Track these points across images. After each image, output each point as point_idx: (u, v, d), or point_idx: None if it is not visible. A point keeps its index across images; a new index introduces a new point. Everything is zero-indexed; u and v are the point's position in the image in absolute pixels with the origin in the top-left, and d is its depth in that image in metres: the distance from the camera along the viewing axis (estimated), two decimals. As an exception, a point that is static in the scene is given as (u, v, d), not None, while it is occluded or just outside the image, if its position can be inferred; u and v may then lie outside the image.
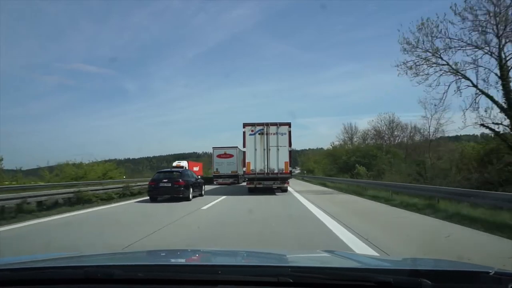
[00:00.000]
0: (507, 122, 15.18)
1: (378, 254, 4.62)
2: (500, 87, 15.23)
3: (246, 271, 1.50)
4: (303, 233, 6.86)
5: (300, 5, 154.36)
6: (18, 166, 27.17)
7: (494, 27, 15.14)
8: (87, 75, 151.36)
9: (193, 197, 14.79)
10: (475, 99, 15.72)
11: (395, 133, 39.52)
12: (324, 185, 26.78)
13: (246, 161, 17.19)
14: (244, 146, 17.42)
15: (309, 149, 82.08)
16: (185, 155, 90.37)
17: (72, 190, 13.60)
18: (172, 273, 1.49)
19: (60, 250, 5.97)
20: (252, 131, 17.19)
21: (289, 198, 14.93)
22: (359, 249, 5.08)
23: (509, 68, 15.33)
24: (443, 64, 16.53)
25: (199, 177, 18.02)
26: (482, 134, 19.88)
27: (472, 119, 16.08)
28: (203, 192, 16.83)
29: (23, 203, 10.58)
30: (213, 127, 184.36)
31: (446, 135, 28.80)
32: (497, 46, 15.14)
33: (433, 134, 28.97)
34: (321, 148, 71.25)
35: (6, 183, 23.58)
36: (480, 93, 15.61)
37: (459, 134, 25.21)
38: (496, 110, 15.44)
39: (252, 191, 17.43)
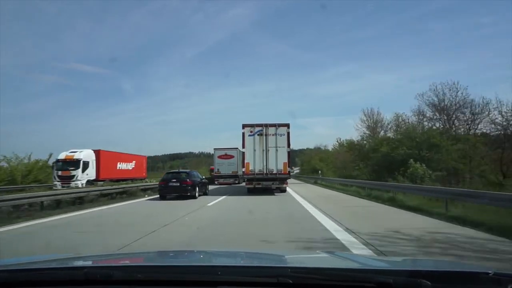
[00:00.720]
0: None
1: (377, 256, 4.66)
2: None
3: (246, 271, 1.50)
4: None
5: (299, 5, 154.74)
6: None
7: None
8: (84, 75, 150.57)
9: (199, 195, 16.26)
10: None
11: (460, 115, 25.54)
12: (362, 195, 16.02)
13: (245, 161, 17.31)
14: (243, 147, 17.54)
15: (307, 148, 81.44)
16: (181, 155, 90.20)
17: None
18: (172, 274, 1.49)
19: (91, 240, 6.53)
20: (251, 132, 17.32)
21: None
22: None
23: None
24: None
25: (203, 177, 19.40)
26: None
27: None
28: (207, 191, 18.28)
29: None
30: (211, 127, 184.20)
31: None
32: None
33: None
34: (323, 147, 67.73)
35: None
36: None
37: None
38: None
39: (251, 192, 17.53)
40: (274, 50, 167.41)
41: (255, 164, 17.13)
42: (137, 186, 19.66)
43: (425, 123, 27.45)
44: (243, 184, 19.41)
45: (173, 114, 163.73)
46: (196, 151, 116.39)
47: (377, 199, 13.81)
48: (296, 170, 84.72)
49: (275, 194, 17.35)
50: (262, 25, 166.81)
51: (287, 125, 17.43)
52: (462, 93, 25.43)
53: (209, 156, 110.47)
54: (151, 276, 1.46)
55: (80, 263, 1.93)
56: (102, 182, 22.87)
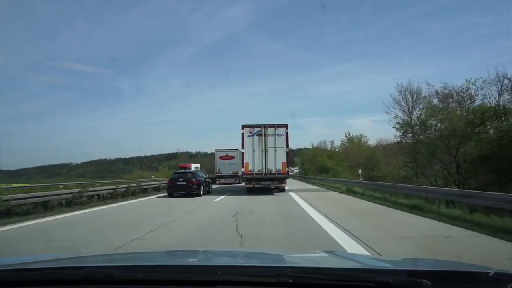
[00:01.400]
0: None
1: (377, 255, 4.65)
2: None
3: (245, 271, 1.50)
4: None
5: (297, 4, 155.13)
6: (5, 167, 27.50)
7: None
8: (82, 75, 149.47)
9: (203, 193, 17.56)
10: None
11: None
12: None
13: (245, 161, 17.57)
14: (242, 147, 17.80)
15: (305, 148, 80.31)
16: (177, 154, 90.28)
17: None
18: (172, 274, 1.49)
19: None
20: (250, 132, 17.60)
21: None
22: None
23: None
24: None
25: (207, 177, 21.23)
26: None
27: None
28: (210, 189, 19.54)
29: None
30: (208, 127, 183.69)
31: None
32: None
33: None
34: (330, 142, 62.21)
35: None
36: None
37: None
38: None
39: (251, 191, 17.76)
40: (272, 50, 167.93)
41: (254, 164, 17.41)
42: (148, 184, 22.13)
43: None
44: (243, 184, 19.66)
45: (170, 114, 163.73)
46: (193, 150, 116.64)
47: None
48: (295, 169, 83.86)
49: (274, 194, 17.49)
50: (260, 25, 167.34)
51: (286, 126, 17.70)
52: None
53: (205, 156, 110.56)
54: (151, 275, 1.46)
55: (80, 262, 1.94)
56: None
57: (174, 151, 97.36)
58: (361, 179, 26.25)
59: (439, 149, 20.99)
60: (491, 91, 21.37)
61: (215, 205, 12.97)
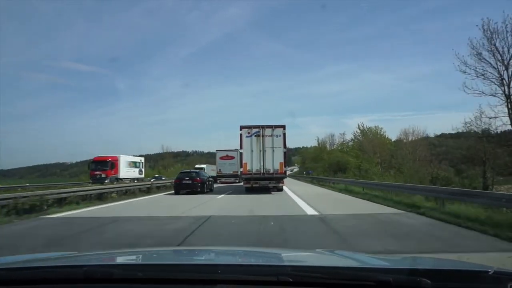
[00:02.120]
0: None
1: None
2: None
3: (245, 270, 1.50)
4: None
5: (295, 4, 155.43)
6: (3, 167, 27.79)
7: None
8: (80, 74, 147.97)
9: (206, 191, 19.17)
10: None
11: None
12: None
13: (243, 161, 17.91)
14: (241, 148, 18.10)
15: (303, 147, 79.31)
16: (174, 154, 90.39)
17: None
18: (172, 272, 1.48)
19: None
20: (248, 133, 17.95)
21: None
22: None
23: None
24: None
25: (210, 176, 22.65)
26: None
27: None
28: (213, 188, 21.26)
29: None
30: (205, 126, 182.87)
31: None
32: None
33: None
34: (342, 135, 57.53)
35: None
36: None
37: None
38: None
39: (249, 191, 18.09)
40: (270, 49, 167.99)
41: (252, 164, 17.74)
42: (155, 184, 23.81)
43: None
44: (242, 183, 20.08)
45: (168, 113, 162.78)
46: (189, 150, 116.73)
47: None
48: (294, 168, 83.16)
49: (272, 193, 17.75)
50: (259, 25, 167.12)
51: (283, 127, 18.07)
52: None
53: (202, 155, 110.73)
54: (151, 274, 1.46)
55: (80, 261, 1.94)
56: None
57: (171, 150, 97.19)
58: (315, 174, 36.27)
59: None
60: None
61: (218, 201, 14.62)
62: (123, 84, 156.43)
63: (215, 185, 23.44)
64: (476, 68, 18.37)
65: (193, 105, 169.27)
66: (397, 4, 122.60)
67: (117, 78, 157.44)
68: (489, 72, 18.13)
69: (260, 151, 17.84)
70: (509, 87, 18.04)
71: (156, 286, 1.40)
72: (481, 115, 19.41)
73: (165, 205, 13.39)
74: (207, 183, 19.63)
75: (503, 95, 18.16)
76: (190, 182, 18.57)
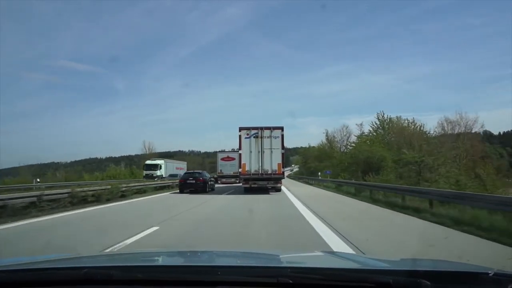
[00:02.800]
0: None
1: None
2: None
3: (245, 271, 1.50)
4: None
5: (293, 4, 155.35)
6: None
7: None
8: (78, 74, 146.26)
9: (208, 191, 20.28)
10: None
11: None
12: None
13: (242, 162, 18.20)
14: (240, 149, 18.41)
15: (301, 147, 76.73)
16: (170, 153, 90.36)
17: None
18: (171, 274, 1.49)
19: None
20: (247, 134, 18.25)
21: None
22: None
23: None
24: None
25: (211, 177, 24.13)
26: None
27: None
28: (214, 188, 22.43)
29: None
30: (203, 127, 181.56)
31: None
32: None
33: None
34: (360, 127, 44.72)
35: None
36: None
37: None
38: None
39: (248, 191, 18.33)
40: (269, 49, 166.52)
41: (251, 165, 18.02)
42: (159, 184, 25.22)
43: None
44: (241, 183, 20.43)
45: (166, 113, 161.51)
46: (186, 149, 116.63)
47: None
48: (295, 168, 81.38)
49: (270, 193, 17.92)
50: (258, 25, 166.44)
51: (281, 128, 18.41)
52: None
53: (199, 155, 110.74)
54: (151, 276, 1.46)
55: (79, 263, 1.94)
56: None
57: (167, 150, 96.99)
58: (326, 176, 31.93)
59: None
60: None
61: (221, 200, 15.60)
62: (122, 84, 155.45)
63: (216, 185, 24.46)
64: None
65: (192, 105, 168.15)
66: (397, 4, 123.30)
67: (116, 78, 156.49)
68: None
69: (259, 152, 18.11)
70: None
71: None
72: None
73: (177, 202, 14.94)
74: (209, 183, 20.86)
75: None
76: (194, 182, 19.87)
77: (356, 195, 16.56)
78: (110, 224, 8.47)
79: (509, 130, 70.64)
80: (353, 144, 39.81)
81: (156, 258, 2.25)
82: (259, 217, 9.32)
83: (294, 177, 56.37)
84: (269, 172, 18.07)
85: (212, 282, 1.36)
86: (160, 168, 41.34)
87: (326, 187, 24.98)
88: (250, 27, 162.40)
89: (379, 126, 36.51)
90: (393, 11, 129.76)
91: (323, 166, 43.07)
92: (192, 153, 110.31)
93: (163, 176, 38.63)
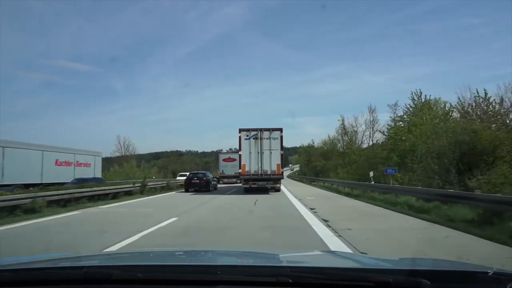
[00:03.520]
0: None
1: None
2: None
3: (245, 271, 1.50)
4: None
5: (292, 4, 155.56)
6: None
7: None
8: (76, 73, 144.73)
9: (211, 190, 21.54)
10: None
11: None
12: None
13: (242, 163, 18.55)
14: (239, 150, 18.78)
15: (300, 146, 75.82)
16: (167, 153, 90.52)
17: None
18: (171, 273, 1.48)
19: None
20: (247, 136, 18.64)
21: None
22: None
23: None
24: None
25: (214, 177, 25.67)
26: None
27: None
28: (216, 187, 23.72)
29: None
30: (202, 126, 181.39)
31: None
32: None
33: None
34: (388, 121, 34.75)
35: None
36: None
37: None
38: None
39: (248, 191, 18.62)
40: (268, 49, 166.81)
41: (251, 165, 18.38)
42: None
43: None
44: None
45: (164, 113, 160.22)
46: (183, 149, 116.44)
47: None
48: (295, 167, 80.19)
49: (270, 193, 18.18)
50: (257, 25, 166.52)
51: (280, 130, 18.76)
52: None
53: (196, 155, 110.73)
54: (151, 275, 1.46)
55: (79, 262, 1.94)
56: None
57: (163, 149, 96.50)
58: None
59: None
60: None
61: (224, 199, 16.17)
62: (120, 83, 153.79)
63: (218, 185, 25.45)
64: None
65: (191, 104, 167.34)
66: (396, 4, 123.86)
67: (115, 77, 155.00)
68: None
69: (258, 153, 18.47)
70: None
71: (155, 287, 1.41)
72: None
73: (185, 199, 16.36)
74: (212, 183, 22.35)
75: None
76: (198, 181, 21.49)
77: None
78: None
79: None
80: (403, 126, 24.86)
81: (156, 257, 2.25)
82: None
83: (295, 178, 52.40)
84: (269, 172, 18.42)
85: (212, 281, 1.36)
86: None
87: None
88: (249, 27, 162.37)
89: (411, 108, 25.27)
90: (393, 11, 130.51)
91: (332, 164, 38.26)
92: (189, 153, 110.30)
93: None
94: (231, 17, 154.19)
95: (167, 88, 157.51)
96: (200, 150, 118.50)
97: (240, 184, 24.18)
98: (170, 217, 8.99)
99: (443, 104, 24.49)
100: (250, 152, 18.61)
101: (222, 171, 33.08)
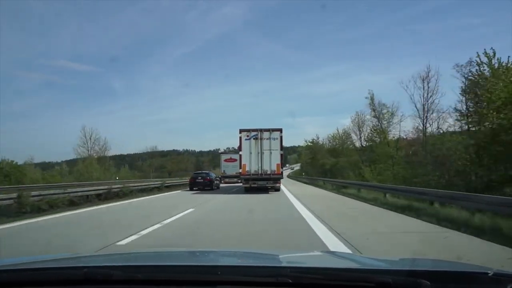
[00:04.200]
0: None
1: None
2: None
3: (245, 271, 1.49)
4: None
5: (291, 4, 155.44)
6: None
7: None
8: (75, 73, 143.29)
9: (214, 189, 22.53)
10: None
11: None
12: None
13: (242, 163, 18.79)
14: (240, 150, 19.08)
15: (299, 146, 74.25)
16: (164, 152, 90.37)
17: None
18: (171, 274, 1.47)
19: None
20: (247, 136, 18.91)
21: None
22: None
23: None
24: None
25: (217, 176, 26.77)
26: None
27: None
28: (219, 186, 24.93)
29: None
30: (201, 126, 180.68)
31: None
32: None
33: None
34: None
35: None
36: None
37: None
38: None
39: (248, 191, 18.91)
40: (267, 49, 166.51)
41: (251, 165, 18.62)
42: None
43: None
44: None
45: (164, 113, 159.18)
46: (180, 148, 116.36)
47: None
48: (295, 167, 79.69)
49: (270, 193, 18.41)
50: (256, 24, 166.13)
51: (280, 130, 19.01)
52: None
53: (193, 154, 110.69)
54: (151, 275, 1.45)
55: (79, 262, 1.93)
56: None
57: (161, 149, 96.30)
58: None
59: None
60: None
61: (227, 197, 17.13)
62: (119, 83, 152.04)
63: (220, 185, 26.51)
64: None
65: (191, 104, 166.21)
66: (396, 4, 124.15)
67: (115, 77, 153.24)
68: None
69: (258, 153, 18.73)
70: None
71: (155, 287, 1.40)
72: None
73: (190, 197, 17.52)
74: (214, 182, 23.57)
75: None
76: (202, 180, 22.71)
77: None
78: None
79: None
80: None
81: (156, 257, 2.24)
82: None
83: (294, 177, 48.76)
84: (268, 172, 18.67)
85: (212, 281, 1.36)
86: None
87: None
88: (249, 26, 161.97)
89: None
90: (393, 11, 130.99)
91: (346, 162, 31.58)
92: (186, 152, 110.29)
93: None
94: (231, 17, 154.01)
95: (167, 88, 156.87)
96: (198, 150, 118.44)
97: (240, 184, 24.69)
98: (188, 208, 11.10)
99: None
100: (251, 152, 18.89)
101: (224, 171, 33.81)
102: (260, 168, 18.77)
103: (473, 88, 17.13)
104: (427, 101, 23.59)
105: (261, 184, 18.93)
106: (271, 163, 18.78)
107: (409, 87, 24.94)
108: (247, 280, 1.37)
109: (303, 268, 1.67)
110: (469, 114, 17.81)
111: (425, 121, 23.51)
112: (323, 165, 39.29)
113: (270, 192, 18.86)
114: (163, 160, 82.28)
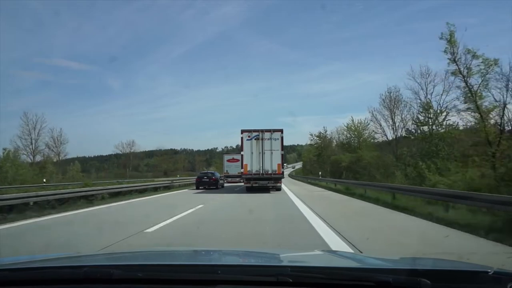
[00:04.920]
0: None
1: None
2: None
3: (245, 270, 1.49)
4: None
5: (289, 3, 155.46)
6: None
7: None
8: (74, 72, 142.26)
9: (218, 188, 23.79)
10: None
11: None
12: None
13: (244, 163, 18.91)
14: (241, 150, 19.17)
15: (298, 145, 73.89)
16: (161, 152, 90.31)
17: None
18: (172, 273, 1.47)
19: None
20: (249, 136, 19.03)
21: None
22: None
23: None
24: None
25: (221, 176, 27.85)
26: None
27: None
28: (223, 186, 26.18)
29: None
30: (200, 125, 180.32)
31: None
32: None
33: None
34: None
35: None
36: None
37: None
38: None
39: (249, 190, 19.01)
40: (265, 48, 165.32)
41: (252, 165, 18.75)
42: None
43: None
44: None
45: (161, 112, 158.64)
46: (178, 148, 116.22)
47: None
48: (297, 165, 79.51)
49: (271, 192, 18.50)
50: (254, 23, 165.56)
51: (281, 131, 19.11)
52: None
53: (191, 153, 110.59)
54: (151, 274, 1.45)
55: (79, 262, 1.93)
56: None
57: (160, 148, 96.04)
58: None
59: None
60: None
61: (230, 196, 17.67)
62: (116, 82, 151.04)
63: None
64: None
65: (189, 103, 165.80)
66: (394, 3, 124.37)
67: (112, 76, 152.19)
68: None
69: (260, 153, 18.83)
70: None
71: (155, 287, 1.40)
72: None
73: (199, 196, 18.38)
74: (219, 181, 24.87)
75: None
76: (208, 180, 24.14)
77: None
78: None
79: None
80: None
81: (156, 257, 2.24)
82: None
83: (295, 176, 46.19)
84: (270, 172, 18.75)
85: (212, 281, 1.36)
86: None
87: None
88: (246, 25, 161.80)
89: None
90: (391, 10, 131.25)
91: (374, 157, 25.19)
92: (184, 151, 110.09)
93: None
94: (229, 16, 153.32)
95: (164, 87, 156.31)
96: (196, 149, 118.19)
97: (242, 183, 24.71)
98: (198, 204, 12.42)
99: None
100: (252, 153, 18.96)
101: (227, 171, 34.32)
102: (261, 168, 18.85)
103: None
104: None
105: (263, 183, 19.03)
106: (272, 163, 18.86)
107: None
108: (247, 280, 1.36)
109: (303, 267, 1.65)
110: None
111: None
112: (336, 162, 32.23)
113: (271, 192, 18.90)
114: (159, 160, 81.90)
